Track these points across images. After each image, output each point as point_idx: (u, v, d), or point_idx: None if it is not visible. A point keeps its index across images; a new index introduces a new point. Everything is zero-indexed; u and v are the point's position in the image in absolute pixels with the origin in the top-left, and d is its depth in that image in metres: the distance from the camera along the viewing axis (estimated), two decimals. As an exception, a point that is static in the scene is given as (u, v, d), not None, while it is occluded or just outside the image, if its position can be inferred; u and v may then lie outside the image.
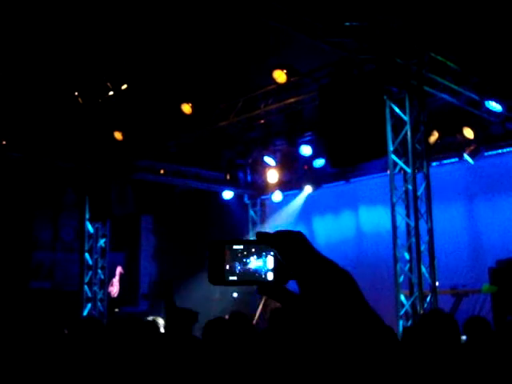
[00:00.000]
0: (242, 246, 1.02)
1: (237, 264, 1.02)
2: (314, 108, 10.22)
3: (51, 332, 4.44)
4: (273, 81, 9.76)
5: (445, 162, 11.88)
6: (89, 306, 13.50)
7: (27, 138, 11.77)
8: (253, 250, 1.02)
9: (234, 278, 1.02)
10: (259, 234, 1.01)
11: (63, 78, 9.99)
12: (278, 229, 1.00)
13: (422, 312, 8.21)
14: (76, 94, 10.49)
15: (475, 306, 10.70)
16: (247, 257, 1.02)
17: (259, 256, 1.02)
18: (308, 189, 14.00)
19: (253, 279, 1.02)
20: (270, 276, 1.01)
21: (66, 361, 3.95)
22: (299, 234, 0.98)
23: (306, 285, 0.94)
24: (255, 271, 1.01)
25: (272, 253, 1.01)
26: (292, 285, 0.99)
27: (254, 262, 1.02)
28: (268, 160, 13.19)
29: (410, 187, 8.75)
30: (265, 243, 1.00)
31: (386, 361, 0.87)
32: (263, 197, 15.55)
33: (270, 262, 1.01)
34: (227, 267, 1.02)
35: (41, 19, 8.55)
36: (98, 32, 8.80)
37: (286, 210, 14.92)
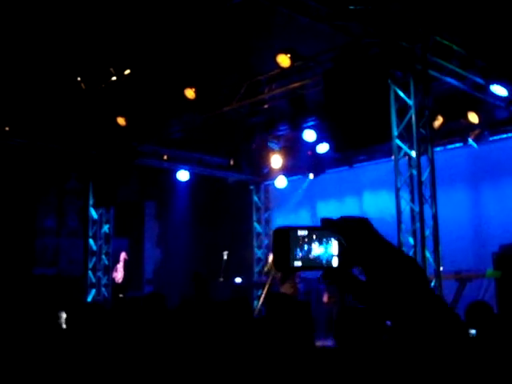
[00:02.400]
0: (305, 232, 1.03)
1: (300, 250, 1.02)
2: (317, 92, 10.16)
3: (54, 317, 4.45)
4: (276, 65, 9.69)
5: (449, 146, 11.83)
6: (93, 291, 13.56)
7: (30, 124, 11.76)
8: (314, 236, 1.02)
9: (299, 263, 1.02)
10: (324, 220, 1.01)
11: (66, 63, 9.95)
12: (343, 215, 0.99)
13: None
14: (79, 79, 10.44)
15: (479, 290, 10.69)
16: (310, 243, 1.02)
17: (321, 242, 1.02)
18: (311, 175, 13.97)
19: (317, 265, 1.02)
20: (335, 262, 1.01)
21: (69, 346, 3.95)
22: (365, 219, 0.97)
23: (372, 271, 0.94)
24: (317, 257, 1.02)
25: (335, 239, 1.01)
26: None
27: (316, 249, 1.02)
28: (272, 145, 13.16)
29: (414, 172, 8.71)
30: (329, 229, 1.00)
31: (457, 348, 0.86)
32: (267, 182, 15.53)
33: (333, 248, 1.01)
34: (292, 253, 1.02)
35: (43, 4, 8.50)
36: (101, 17, 8.74)
37: (290, 195, 14.90)
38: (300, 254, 1.02)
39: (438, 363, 0.86)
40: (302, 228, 1.03)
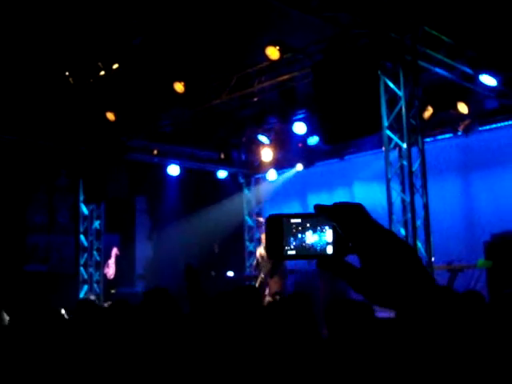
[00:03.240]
0: (299, 220, 1.01)
1: (293, 238, 1.01)
2: (307, 85, 10.14)
3: (47, 314, 4.42)
4: (266, 58, 9.66)
5: (439, 137, 11.87)
6: (85, 287, 13.52)
7: (19, 120, 11.67)
8: (308, 224, 1.00)
9: (293, 252, 1.01)
10: (317, 207, 0.99)
11: (54, 58, 9.88)
12: (337, 201, 0.97)
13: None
14: (67, 74, 10.37)
15: (470, 280, 10.75)
16: (303, 231, 1.00)
17: (315, 230, 1.00)
18: (301, 167, 13.98)
19: (311, 253, 1.01)
20: (329, 250, 1.00)
21: (63, 343, 3.93)
22: (359, 205, 0.96)
23: (367, 257, 0.93)
24: (311, 246, 1.00)
25: (329, 227, 1.00)
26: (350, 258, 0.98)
27: (310, 237, 1.00)
28: (262, 138, 13.14)
29: (405, 163, 8.72)
30: (323, 216, 0.99)
31: (455, 333, 0.86)
32: (257, 175, 15.53)
33: (328, 235, 1.00)
34: (285, 242, 1.01)
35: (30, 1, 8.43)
36: (88, 11, 8.68)
37: (281, 188, 14.90)
38: (294, 243, 1.01)
39: (437, 343, 0.85)
40: (296, 215, 1.02)
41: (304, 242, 1.00)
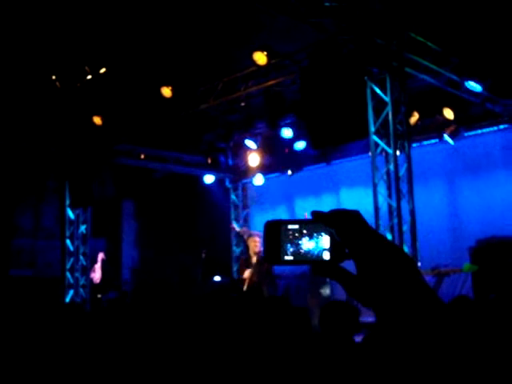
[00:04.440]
0: (297, 226, 1.03)
1: (290, 244, 1.03)
2: (294, 90, 10.18)
3: (33, 319, 4.40)
4: (253, 63, 9.68)
5: (425, 143, 11.93)
6: (71, 292, 13.45)
7: (6, 124, 11.60)
8: (305, 230, 1.02)
9: (290, 257, 1.03)
10: (315, 213, 1.00)
11: (40, 62, 9.84)
12: (334, 208, 0.99)
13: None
14: (54, 78, 10.33)
15: (456, 285, 10.81)
16: (300, 238, 1.02)
17: (311, 237, 1.02)
18: (289, 172, 14.00)
19: (308, 259, 1.02)
20: (325, 255, 1.01)
21: (50, 348, 3.91)
22: (356, 212, 0.97)
23: (363, 264, 0.94)
24: (308, 252, 1.02)
25: (325, 233, 1.01)
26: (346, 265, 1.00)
27: (306, 243, 1.02)
28: (249, 143, 13.15)
29: (391, 168, 8.77)
30: (321, 222, 1.00)
31: (448, 340, 0.86)
32: (244, 180, 15.53)
33: (324, 241, 1.02)
34: (282, 247, 1.03)
35: (17, 3, 8.40)
36: (75, 15, 8.66)
37: (268, 193, 14.91)
38: (291, 249, 1.02)
39: (430, 354, 0.86)
40: (293, 222, 1.04)
41: (301, 247, 1.02)
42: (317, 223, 1.01)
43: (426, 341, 0.87)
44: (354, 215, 0.97)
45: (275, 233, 1.03)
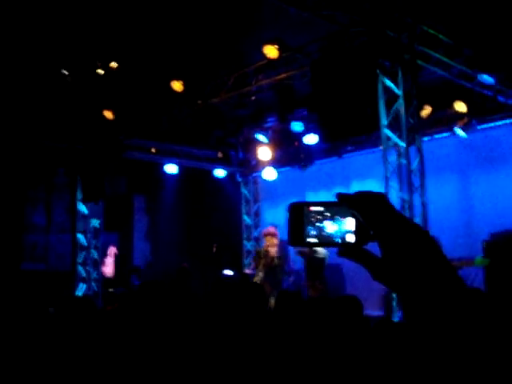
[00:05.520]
0: (321, 208, 1.03)
1: (314, 227, 1.03)
2: (305, 83, 10.13)
3: (44, 312, 4.41)
4: (264, 56, 9.64)
5: (437, 136, 11.85)
6: (83, 286, 13.51)
7: (17, 118, 11.65)
8: (328, 213, 1.02)
9: (314, 239, 1.03)
10: (340, 195, 1.00)
11: (52, 56, 9.86)
12: (360, 187, 0.98)
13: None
14: (65, 72, 10.35)
15: (467, 278, 10.75)
16: (323, 220, 1.02)
17: (335, 220, 1.02)
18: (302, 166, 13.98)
19: (331, 242, 1.03)
20: (348, 238, 1.01)
21: (59, 340, 3.92)
22: (381, 194, 0.97)
23: (388, 246, 0.93)
24: (331, 235, 1.02)
25: (349, 215, 1.01)
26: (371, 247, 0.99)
27: (329, 226, 1.02)
28: (260, 137, 13.12)
29: (403, 161, 8.72)
30: (346, 204, 1.00)
31: (474, 323, 0.86)
32: (255, 174, 15.50)
33: (348, 224, 1.01)
34: (305, 229, 1.03)
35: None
36: (87, 9, 8.66)
37: (279, 187, 14.88)
38: (314, 231, 1.03)
39: (455, 337, 0.86)
40: (317, 204, 1.04)
41: (324, 230, 1.03)
42: (341, 205, 1.01)
43: (450, 324, 0.86)
44: (380, 197, 0.97)
45: (299, 215, 1.03)
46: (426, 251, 0.91)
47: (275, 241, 10.54)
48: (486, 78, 9.67)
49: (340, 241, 1.01)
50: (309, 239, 1.03)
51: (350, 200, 0.98)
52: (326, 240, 1.02)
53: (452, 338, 0.86)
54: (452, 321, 0.86)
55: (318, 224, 1.02)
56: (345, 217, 1.01)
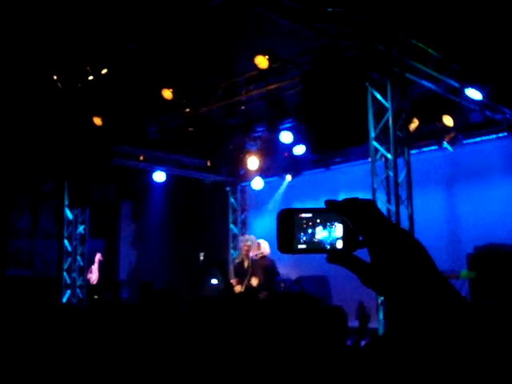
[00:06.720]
0: (310, 215, 1.03)
1: (304, 233, 1.03)
2: (295, 94, 10.20)
3: (30, 318, 4.39)
4: (255, 66, 9.69)
5: (424, 149, 11.95)
6: (68, 292, 13.42)
7: (4, 123, 11.59)
8: (318, 220, 1.03)
9: (303, 246, 1.03)
10: (328, 202, 1.01)
11: (42, 62, 9.84)
12: (348, 196, 1.00)
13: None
14: (55, 78, 10.33)
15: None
16: (313, 226, 1.03)
17: (325, 226, 1.02)
18: (288, 176, 14.01)
19: (321, 248, 1.03)
20: (339, 244, 1.02)
21: (46, 348, 3.90)
22: (370, 201, 0.99)
23: (377, 252, 0.95)
24: (321, 241, 1.02)
25: (338, 222, 1.02)
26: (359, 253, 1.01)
27: (320, 232, 1.03)
28: (249, 147, 13.15)
29: (390, 174, 8.78)
30: (335, 211, 1.01)
31: (462, 330, 0.87)
32: (243, 184, 15.52)
33: (338, 230, 1.02)
34: (295, 236, 1.03)
35: (19, 2, 8.40)
36: (77, 15, 8.66)
37: (267, 197, 14.91)
38: (304, 238, 1.03)
39: (443, 345, 0.87)
40: (306, 210, 1.04)
41: (314, 237, 1.03)
42: (330, 212, 1.02)
43: (439, 330, 0.88)
44: (369, 203, 0.98)
45: (288, 221, 1.04)
46: (415, 256, 0.93)
47: (249, 243, 10.24)
48: (474, 93, 9.77)
49: (329, 247, 1.02)
50: (299, 246, 1.03)
51: (339, 206, 0.99)
52: (315, 246, 1.03)
53: (439, 343, 0.87)
54: (440, 325, 0.88)
55: (308, 230, 1.02)
56: (334, 223, 1.02)
